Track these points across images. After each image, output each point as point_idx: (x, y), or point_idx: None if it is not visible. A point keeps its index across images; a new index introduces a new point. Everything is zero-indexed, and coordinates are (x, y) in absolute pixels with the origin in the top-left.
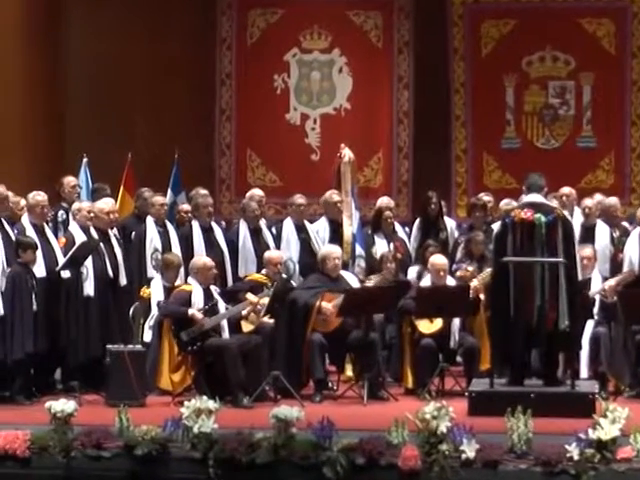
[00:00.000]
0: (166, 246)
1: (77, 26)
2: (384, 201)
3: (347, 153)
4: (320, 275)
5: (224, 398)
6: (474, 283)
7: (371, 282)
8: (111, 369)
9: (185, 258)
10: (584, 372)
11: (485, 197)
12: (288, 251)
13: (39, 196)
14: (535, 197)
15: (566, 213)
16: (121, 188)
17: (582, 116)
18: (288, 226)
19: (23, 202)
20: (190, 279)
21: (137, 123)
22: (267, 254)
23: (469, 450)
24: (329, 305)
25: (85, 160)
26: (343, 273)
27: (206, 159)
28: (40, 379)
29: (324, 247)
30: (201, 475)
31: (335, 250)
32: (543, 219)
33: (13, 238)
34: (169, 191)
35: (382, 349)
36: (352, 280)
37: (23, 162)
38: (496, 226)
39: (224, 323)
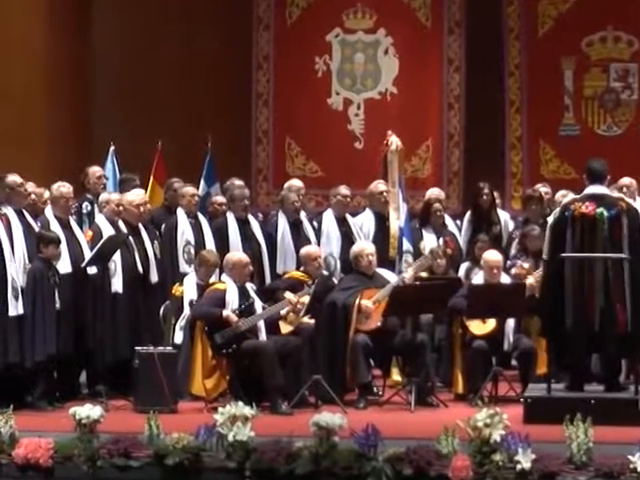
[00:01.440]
0: (199, 239)
1: (105, 7)
2: (433, 192)
3: (394, 141)
4: (355, 274)
5: (261, 404)
6: (530, 281)
7: (410, 270)
8: (140, 372)
9: (219, 253)
10: None
11: (542, 188)
12: (328, 246)
13: (64, 187)
14: (597, 188)
15: (630, 201)
16: (150, 178)
17: None
18: (328, 219)
19: (47, 194)
20: (224, 276)
21: (168, 109)
22: (304, 250)
23: (524, 460)
24: (369, 302)
25: (112, 149)
26: (379, 270)
27: (242, 148)
28: (64, 383)
29: (356, 244)
30: None
31: (368, 246)
32: (605, 214)
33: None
34: (202, 182)
35: (431, 352)
36: (390, 277)
37: (46, 151)
38: (551, 219)
39: (261, 324)
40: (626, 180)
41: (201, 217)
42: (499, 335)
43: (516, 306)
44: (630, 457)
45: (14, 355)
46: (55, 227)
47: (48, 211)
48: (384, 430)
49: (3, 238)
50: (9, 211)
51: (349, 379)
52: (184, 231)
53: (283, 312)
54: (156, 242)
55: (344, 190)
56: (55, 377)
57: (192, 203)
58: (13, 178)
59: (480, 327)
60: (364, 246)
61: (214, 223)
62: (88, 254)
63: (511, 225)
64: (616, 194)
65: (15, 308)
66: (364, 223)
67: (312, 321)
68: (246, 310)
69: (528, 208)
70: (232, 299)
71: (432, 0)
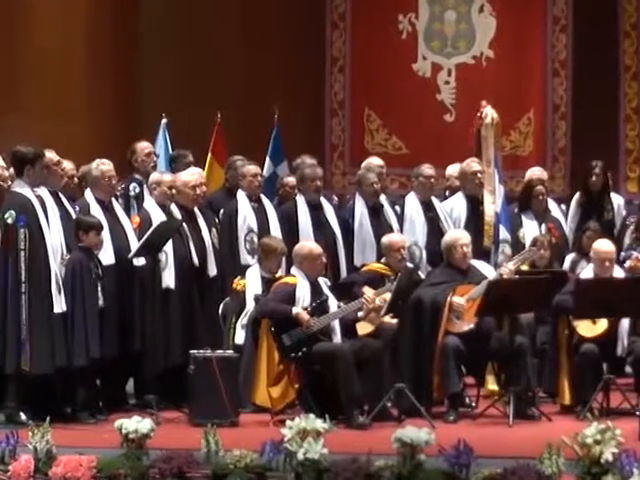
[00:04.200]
0: (263, 226)
1: None
2: (535, 172)
3: (489, 113)
4: (446, 268)
5: (335, 417)
6: None
7: (510, 265)
8: (196, 380)
9: (288, 242)
10: None
11: None
12: (413, 234)
13: (104, 165)
14: None
15: None
16: (208, 156)
17: None
18: (412, 203)
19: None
20: (294, 269)
21: (228, 75)
22: (386, 238)
23: None
24: (462, 300)
25: (164, 121)
26: (475, 263)
27: (314, 120)
28: (108, 392)
29: (449, 232)
30: None
31: (463, 236)
32: None
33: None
34: (267, 160)
35: (532, 357)
36: (487, 270)
37: (87, 125)
38: None
39: (335, 324)
40: None
41: (265, 200)
42: (611, 338)
43: (631, 304)
44: None
45: (61, 358)
46: (96, 211)
47: (88, 193)
48: (478, 447)
49: (44, 224)
50: (44, 193)
51: (437, 388)
52: (246, 217)
53: (363, 311)
54: (214, 230)
55: (428, 170)
56: (98, 385)
57: (255, 184)
58: (49, 155)
59: (589, 328)
60: (459, 235)
61: (281, 208)
62: (135, 243)
63: (625, 211)
64: None
65: (60, 304)
66: (454, 208)
67: (394, 321)
68: (318, 308)
69: None
70: (303, 295)
71: None
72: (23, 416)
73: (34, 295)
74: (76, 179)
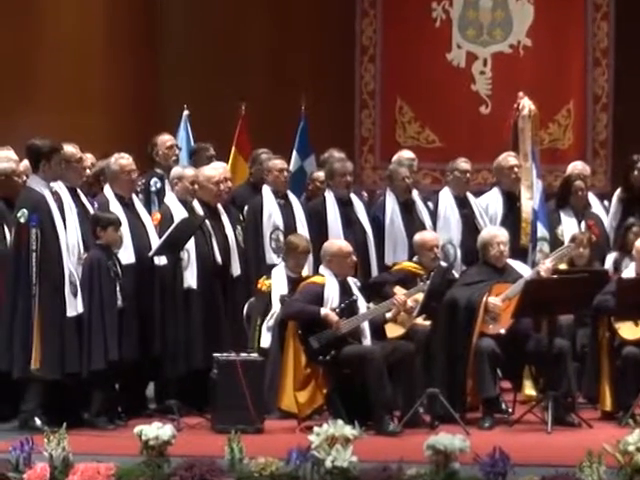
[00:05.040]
0: (289, 224)
1: None
2: (577, 167)
3: (527, 104)
4: (481, 267)
5: (365, 423)
6: None
7: (547, 262)
8: (219, 384)
9: (316, 241)
10: None
11: None
12: (447, 232)
13: (123, 159)
14: None
15: None
16: (232, 149)
17: None
18: (446, 199)
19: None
20: (322, 268)
21: (253, 65)
22: (418, 236)
23: None
24: (497, 300)
25: (186, 113)
26: (511, 262)
27: (343, 112)
28: (127, 396)
29: (485, 229)
30: None
31: (500, 233)
32: None
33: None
34: (294, 153)
35: (572, 360)
36: (523, 270)
37: (104, 117)
38: None
39: (365, 326)
40: None
41: (292, 197)
42: None
43: None
44: None
45: (72, 364)
46: (115, 208)
47: (107, 189)
48: (514, 455)
49: (58, 222)
50: (61, 189)
51: (472, 393)
52: (271, 214)
53: (392, 312)
54: (238, 227)
55: (463, 164)
56: (117, 389)
57: (281, 179)
58: (70, 150)
59: (632, 330)
60: (496, 233)
61: (309, 205)
62: (156, 241)
63: None
64: None
65: (74, 307)
66: (490, 204)
67: (427, 323)
68: (348, 309)
69: None
70: (331, 296)
71: None
72: (38, 422)
73: (45, 298)
74: (88, 170)
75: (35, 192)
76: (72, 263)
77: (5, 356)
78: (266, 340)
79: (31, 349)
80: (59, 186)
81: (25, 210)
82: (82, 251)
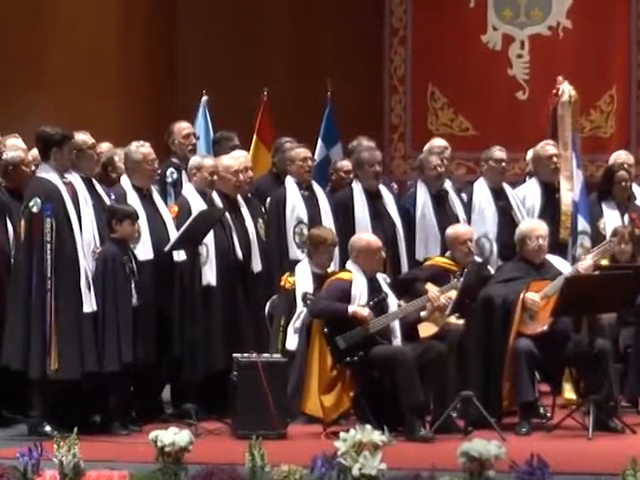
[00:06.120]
0: (314, 217)
1: None
2: (621, 156)
3: (567, 90)
4: (518, 262)
5: (395, 428)
6: None
7: (588, 257)
8: (240, 387)
9: (343, 234)
10: None
11: None
12: (482, 225)
13: (144, 148)
14: None
15: None
16: (254, 138)
17: None
18: (481, 190)
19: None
20: (349, 264)
21: (276, 48)
22: (451, 230)
23: None
24: (536, 297)
25: (204, 99)
26: (550, 257)
27: (371, 98)
28: (143, 400)
29: (524, 222)
30: None
31: (539, 226)
32: None
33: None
34: (319, 142)
35: (614, 362)
36: (562, 266)
37: (120, 104)
38: None
39: (395, 325)
40: None
41: (317, 188)
42: None
43: None
44: None
45: (91, 362)
46: (133, 200)
47: (125, 180)
48: (553, 462)
49: (72, 214)
50: (76, 180)
51: (508, 397)
52: (295, 206)
53: (427, 311)
54: (260, 220)
55: (498, 153)
56: (131, 392)
57: (305, 169)
58: (83, 137)
59: None
60: (535, 226)
61: (335, 196)
62: (173, 235)
63: None
64: None
65: (90, 303)
66: (527, 196)
67: (461, 322)
68: (377, 307)
69: None
70: (359, 293)
71: None
72: (48, 427)
73: (61, 292)
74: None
75: (47, 182)
76: (87, 257)
77: (19, 354)
78: (292, 342)
79: (48, 348)
80: (73, 177)
81: (38, 199)
82: (97, 246)
